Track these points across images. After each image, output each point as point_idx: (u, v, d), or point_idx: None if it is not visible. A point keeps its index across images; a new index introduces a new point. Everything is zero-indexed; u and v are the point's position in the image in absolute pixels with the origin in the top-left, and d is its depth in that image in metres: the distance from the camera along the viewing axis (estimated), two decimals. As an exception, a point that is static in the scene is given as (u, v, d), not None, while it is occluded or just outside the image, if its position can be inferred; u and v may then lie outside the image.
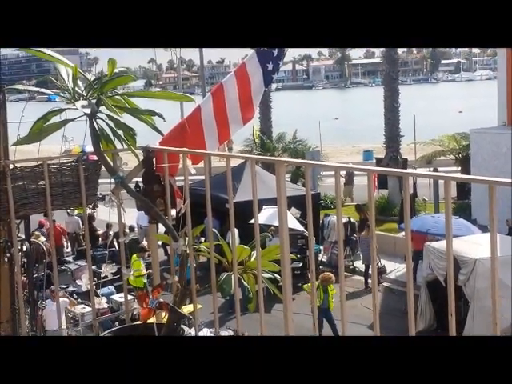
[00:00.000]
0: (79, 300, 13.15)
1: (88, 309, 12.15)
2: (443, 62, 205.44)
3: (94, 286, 5.03)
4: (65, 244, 21.53)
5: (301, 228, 17.66)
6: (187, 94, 5.61)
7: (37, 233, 16.70)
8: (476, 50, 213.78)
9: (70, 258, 19.31)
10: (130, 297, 5.59)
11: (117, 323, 11.29)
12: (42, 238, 13.92)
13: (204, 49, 31.37)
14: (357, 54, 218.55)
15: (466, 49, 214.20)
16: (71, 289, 14.55)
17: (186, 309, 4.91)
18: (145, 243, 19.29)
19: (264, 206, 16.32)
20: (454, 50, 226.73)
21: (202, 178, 5.07)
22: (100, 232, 20.60)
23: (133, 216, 17.74)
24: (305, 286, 14.71)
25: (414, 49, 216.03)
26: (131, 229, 17.24)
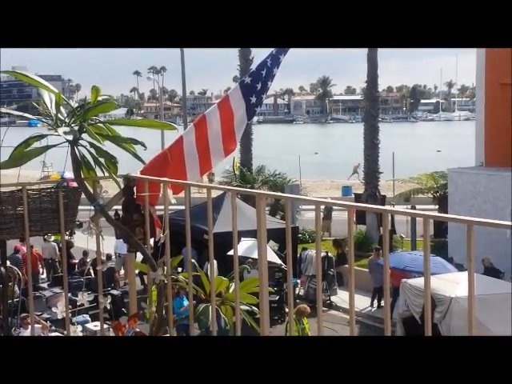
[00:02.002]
0: (53, 327, 12.96)
1: (61, 337, 11.96)
2: (423, 101, 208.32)
3: (70, 314, 4.96)
4: (40, 270, 21.30)
5: (278, 261, 17.64)
6: (170, 123, 5.59)
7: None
8: (455, 91, 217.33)
9: (45, 285, 19.08)
10: (105, 326, 5.52)
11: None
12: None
13: (186, 80, 31.48)
14: (338, 90, 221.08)
15: (445, 89, 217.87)
16: (45, 316, 14.36)
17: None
18: (122, 272, 19.15)
19: (242, 238, 16.29)
20: (433, 90, 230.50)
21: (179, 208, 5.01)
22: (76, 260, 20.42)
23: (111, 244, 17.63)
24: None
25: (394, 87, 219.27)
26: (108, 257, 17.08)
